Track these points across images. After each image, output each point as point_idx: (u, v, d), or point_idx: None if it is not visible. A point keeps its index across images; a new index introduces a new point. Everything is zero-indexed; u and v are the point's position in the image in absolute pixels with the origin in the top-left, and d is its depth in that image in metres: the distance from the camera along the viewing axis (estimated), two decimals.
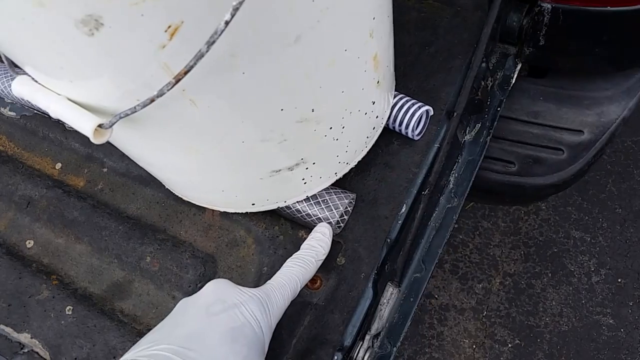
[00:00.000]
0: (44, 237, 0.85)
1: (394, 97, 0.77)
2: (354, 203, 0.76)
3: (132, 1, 0.36)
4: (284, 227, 0.78)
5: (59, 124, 0.93)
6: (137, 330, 0.75)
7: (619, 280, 1.60)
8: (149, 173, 0.75)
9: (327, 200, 0.72)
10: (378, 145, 0.76)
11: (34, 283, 0.80)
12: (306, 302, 0.72)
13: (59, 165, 0.91)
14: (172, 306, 0.60)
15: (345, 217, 0.75)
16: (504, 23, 0.86)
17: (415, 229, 0.74)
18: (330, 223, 0.71)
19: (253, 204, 0.72)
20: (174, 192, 0.80)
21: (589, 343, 1.54)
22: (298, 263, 0.65)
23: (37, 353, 0.75)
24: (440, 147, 0.77)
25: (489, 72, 0.90)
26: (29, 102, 0.89)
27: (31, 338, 0.76)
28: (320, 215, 0.72)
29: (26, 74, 0.51)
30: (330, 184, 0.72)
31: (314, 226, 0.72)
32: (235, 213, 0.78)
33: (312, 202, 0.72)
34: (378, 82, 0.64)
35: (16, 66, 0.52)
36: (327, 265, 0.72)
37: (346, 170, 0.72)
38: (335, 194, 0.73)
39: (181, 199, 0.80)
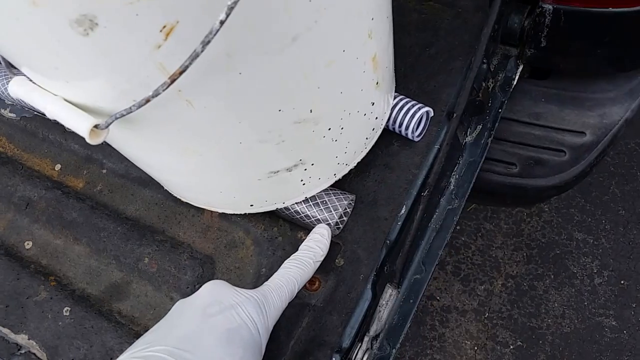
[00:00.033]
0: (42, 238, 0.85)
1: (394, 98, 0.76)
2: (353, 204, 0.76)
3: (127, 1, 0.35)
4: (283, 229, 0.78)
5: (58, 125, 0.93)
6: (134, 331, 0.75)
7: (622, 282, 1.60)
8: (147, 174, 0.75)
9: (326, 202, 0.71)
10: (378, 147, 0.76)
11: (32, 284, 0.80)
12: (304, 304, 0.72)
13: (58, 167, 0.91)
14: (170, 307, 0.59)
15: (345, 218, 0.74)
16: (505, 24, 0.86)
17: (415, 230, 0.74)
18: (329, 224, 0.71)
19: (251, 205, 0.71)
20: (172, 193, 0.80)
21: (591, 345, 1.53)
22: (296, 264, 0.65)
23: (35, 354, 0.75)
24: (440, 149, 0.77)
25: (490, 73, 0.89)
26: (27, 103, 0.89)
27: (28, 339, 0.76)
28: (319, 217, 0.71)
29: (23, 74, 0.51)
30: (329, 185, 0.71)
31: (313, 227, 0.71)
32: (234, 214, 0.78)
33: (311, 203, 0.71)
34: (377, 83, 0.63)
35: (13, 67, 0.52)
36: (326, 267, 0.72)
37: (345, 171, 0.71)
38: (335, 195, 0.72)
39: (180, 200, 0.80)
